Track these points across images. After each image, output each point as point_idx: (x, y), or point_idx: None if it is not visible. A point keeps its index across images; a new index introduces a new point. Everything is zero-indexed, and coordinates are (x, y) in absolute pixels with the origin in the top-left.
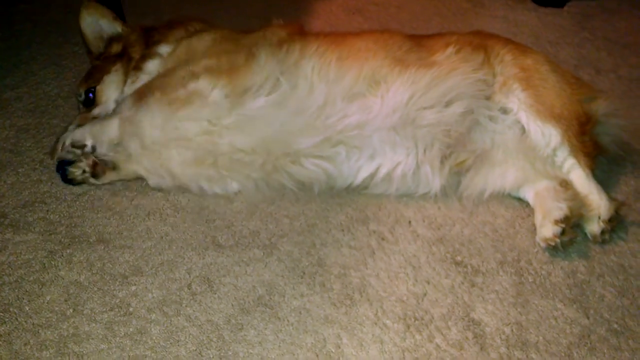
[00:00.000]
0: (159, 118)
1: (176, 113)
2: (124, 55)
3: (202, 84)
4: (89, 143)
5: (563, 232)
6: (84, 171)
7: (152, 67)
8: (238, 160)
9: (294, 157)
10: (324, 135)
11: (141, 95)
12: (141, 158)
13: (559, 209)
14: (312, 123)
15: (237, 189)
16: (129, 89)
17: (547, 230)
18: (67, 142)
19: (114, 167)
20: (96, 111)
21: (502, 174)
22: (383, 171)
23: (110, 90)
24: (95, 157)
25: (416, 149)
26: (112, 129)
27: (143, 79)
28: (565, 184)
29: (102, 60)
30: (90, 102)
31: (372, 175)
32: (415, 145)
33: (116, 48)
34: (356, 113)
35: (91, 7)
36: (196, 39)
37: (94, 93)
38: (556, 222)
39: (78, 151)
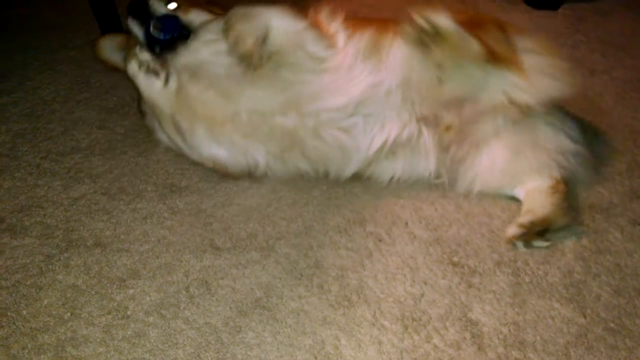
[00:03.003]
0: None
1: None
2: None
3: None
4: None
5: (524, 235)
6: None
7: None
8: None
9: (315, 126)
10: (348, 96)
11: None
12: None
13: (528, 213)
14: (341, 84)
15: (260, 161)
16: None
17: (511, 229)
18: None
19: (166, 81)
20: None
21: (492, 157)
22: (392, 137)
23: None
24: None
25: (413, 108)
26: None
27: None
28: (556, 188)
29: None
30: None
31: (383, 146)
32: (412, 105)
33: None
34: (371, 73)
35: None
36: None
37: None
38: (520, 225)
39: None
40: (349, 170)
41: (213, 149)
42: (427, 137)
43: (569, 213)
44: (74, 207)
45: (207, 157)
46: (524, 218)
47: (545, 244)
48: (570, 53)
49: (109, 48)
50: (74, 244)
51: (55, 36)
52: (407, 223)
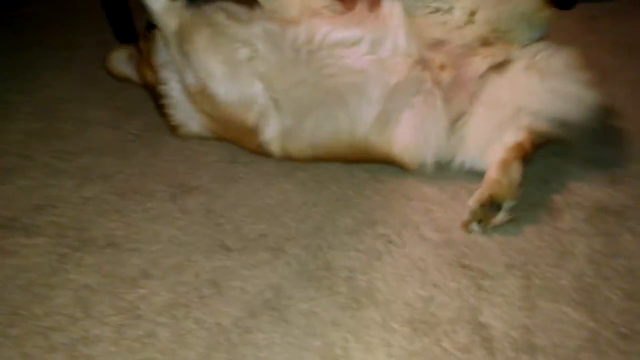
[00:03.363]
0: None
1: None
2: None
3: None
4: None
5: (475, 217)
6: None
7: None
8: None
9: (333, 58)
10: (359, 32)
11: None
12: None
13: (476, 194)
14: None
15: (259, 97)
16: None
17: (465, 213)
18: None
19: None
20: None
21: (474, 116)
22: (402, 78)
23: None
24: None
25: (411, 52)
26: None
27: None
28: (505, 161)
29: None
30: None
31: (397, 87)
32: (410, 49)
33: None
34: (376, 21)
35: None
36: None
37: None
38: (470, 211)
39: None
40: (368, 114)
41: (208, 59)
42: (430, 81)
43: (514, 188)
44: (87, 206)
45: (202, 77)
46: (471, 200)
47: (505, 218)
48: (583, 53)
49: (119, 60)
50: (86, 243)
51: (67, 35)
52: (417, 225)
